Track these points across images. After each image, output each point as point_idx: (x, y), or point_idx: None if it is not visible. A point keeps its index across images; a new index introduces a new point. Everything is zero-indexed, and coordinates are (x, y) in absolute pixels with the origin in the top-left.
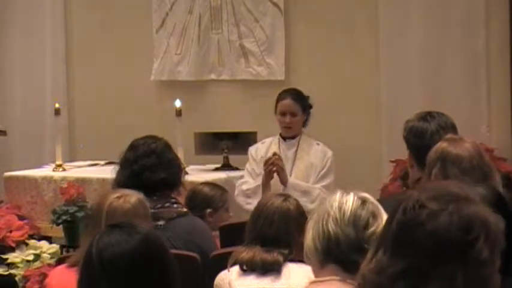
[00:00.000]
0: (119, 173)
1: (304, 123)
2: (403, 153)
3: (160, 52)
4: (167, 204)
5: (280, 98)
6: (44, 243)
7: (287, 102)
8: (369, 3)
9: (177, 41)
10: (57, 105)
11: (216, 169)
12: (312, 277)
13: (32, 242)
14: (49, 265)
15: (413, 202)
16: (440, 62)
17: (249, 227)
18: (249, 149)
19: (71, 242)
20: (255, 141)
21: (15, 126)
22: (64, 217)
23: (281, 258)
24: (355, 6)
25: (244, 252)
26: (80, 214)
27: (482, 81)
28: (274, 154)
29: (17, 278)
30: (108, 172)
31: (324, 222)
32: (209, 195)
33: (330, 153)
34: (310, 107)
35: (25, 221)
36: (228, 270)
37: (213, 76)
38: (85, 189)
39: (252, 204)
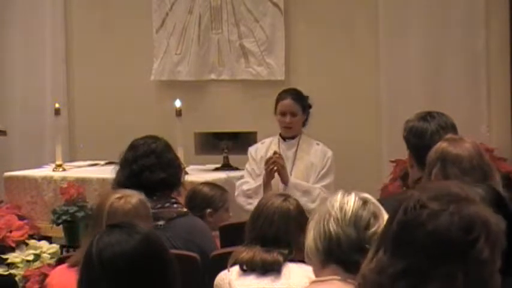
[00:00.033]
0: (118, 173)
1: (304, 123)
2: (403, 153)
3: (160, 52)
4: (167, 204)
5: (280, 98)
6: (44, 243)
7: (287, 102)
8: (369, 3)
9: (177, 41)
10: (57, 105)
11: (216, 169)
12: (312, 277)
13: (32, 242)
14: (49, 265)
15: (414, 202)
16: (440, 62)
17: (249, 227)
18: (248, 149)
19: (71, 242)
20: (255, 141)
21: (15, 126)
22: (64, 217)
23: (281, 258)
24: (355, 6)
25: (244, 252)
26: (80, 214)
27: (482, 81)
28: (275, 153)
29: (17, 278)
30: (108, 172)
31: (325, 223)
32: (209, 195)
33: (329, 153)
34: (310, 106)
35: (25, 221)
36: (228, 270)
37: (213, 76)
38: (85, 189)
39: (253, 204)
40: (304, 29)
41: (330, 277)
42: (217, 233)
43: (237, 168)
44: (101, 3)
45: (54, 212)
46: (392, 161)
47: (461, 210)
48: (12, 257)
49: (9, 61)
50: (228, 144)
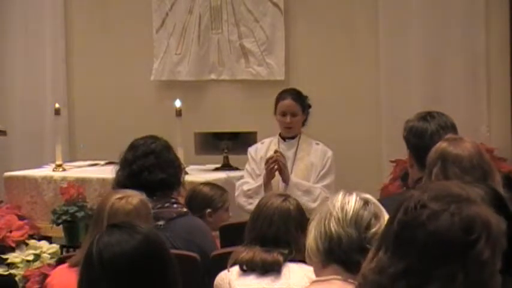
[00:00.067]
0: (118, 173)
1: (303, 123)
2: (403, 153)
3: (160, 52)
4: (167, 205)
5: (280, 98)
6: (44, 243)
7: (287, 102)
8: (369, 3)
9: (177, 41)
10: (57, 105)
11: (216, 169)
12: (313, 277)
13: (32, 242)
14: (49, 265)
15: (415, 202)
16: (440, 62)
17: (249, 227)
18: (248, 150)
19: (71, 242)
20: (255, 141)
21: (15, 126)
22: (64, 217)
23: (281, 258)
24: (355, 6)
25: (244, 252)
26: (80, 214)
27: (482, 81)
28: (276, 151)
29: (17, 278)
30: (108, 172)
31: (326, 222)
32: (209, 195)
33: (329, 152)
34: (309, 106)
35: (25, 221)
36: (228, 270)
37: (213, 76)
38: (85, 189)
39: (253, 204)
40: (304, 29)
41: (331, 277)
42: (217, 233)
43: (237, 168)
44: (101, 3)
45: (54, 212)
46: (392, 161)
47: (462, 211)
48: (12, 257)
49: (10, 61)
50: (228, 144)
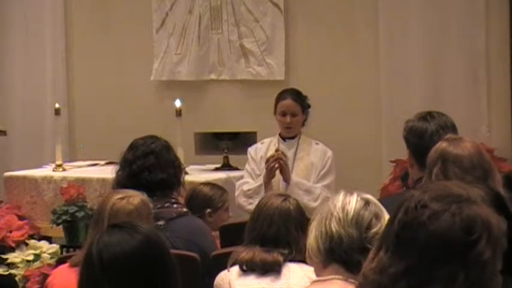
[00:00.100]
0: (118, 173)
1: (303, 123)
2: (403, 153)
3: (160, 52)
4: (167, 205)
5: (280, 98)
6: (44, 243)
7: (288, 102)
8: (369, 3)
9: (177, 41)
10: (57, 105)
11: (216, 169)
12: (313, 277)
13: (32, 242)
14: (49, 265)
15: (416, 202)
16: (440, 62)
17: (249, 227)
18: (248, 150)
19: (71, 242)
20: (255, 141)
21: (15, 126)
22: (64, 217)
23: (281, 258)
24: (355, 6)
25: (244, 252)
26: (80, 214)
27: (482, 81)
28: (277, 150)
29: (17, 278)
30: (108, 172)
31: (327, 222)
32: (209, 195)
33: (329, 152)
34: (309, 106)
35: (25, 221)
36: (228, 270)
37: (213, 76)
38: (85, 189)
39: (254, 204)
40: (304, 29)
41: (331, 276)
42: (217, 233)
43: (237, 168)
44: (101, 3)
45: (54, 212)
46: (392, 161)
47: (462, 211)
48: (12, 257)
49: (10, 61)
50: (228, 144)
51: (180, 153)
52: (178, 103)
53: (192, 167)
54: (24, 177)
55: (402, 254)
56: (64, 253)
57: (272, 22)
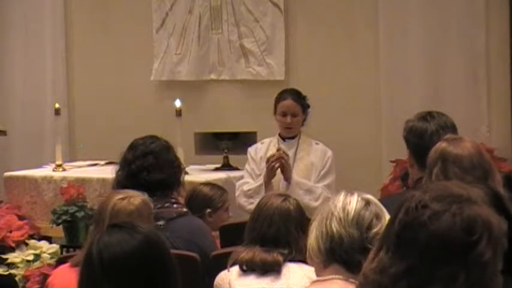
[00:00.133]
0: (118, 173)
1: (303, 123)
2: (403, 153)
3: (160, 52)
4: (167, 205)
5: (280, 98)
6: (44, 243)
7: (288, 102)
8: (369, 3)
9: (177, 41)
10: (57, 105)
11: (216, 169)
12: (313, 277)
13: (32, 242)
14: (49, 265)
15: (416, 202)
16: (440, 62)
17: (249, 227)
18: (248, 150)
19: (71, 242)
20: (255, 141)
21: (15, 126)
22: (64, 217)
23: (281, 258)
24: (355, 6)
25: (244, 253)
26: (80, 214)
27: (482, 81)
28: (279, 149)
29: (17, 278)
30: (108, 172)
31: (328, 222)
32: (209, 195)
33: (329, 152)
34: (308, 106)
35: (25, 221)
36: (228, 270)
37: (213, 76)
38: (85, 189)
39: (254, 204)
40: (304, 29)
41: (332, 276)
42: (217, 233)
43: (237, 168)
44: (101, 3)
45: (54, 212)
46: (392, 161)
47: (463, 211)
48: (12, 257)
49: (10, 61)
50: (228, 144)
51: (180, 153)
52: (178, 103)
53: (192, 167)
54: (24, 177)
55: (403, 254)
56: (64, 253)
57: (272, 22)
